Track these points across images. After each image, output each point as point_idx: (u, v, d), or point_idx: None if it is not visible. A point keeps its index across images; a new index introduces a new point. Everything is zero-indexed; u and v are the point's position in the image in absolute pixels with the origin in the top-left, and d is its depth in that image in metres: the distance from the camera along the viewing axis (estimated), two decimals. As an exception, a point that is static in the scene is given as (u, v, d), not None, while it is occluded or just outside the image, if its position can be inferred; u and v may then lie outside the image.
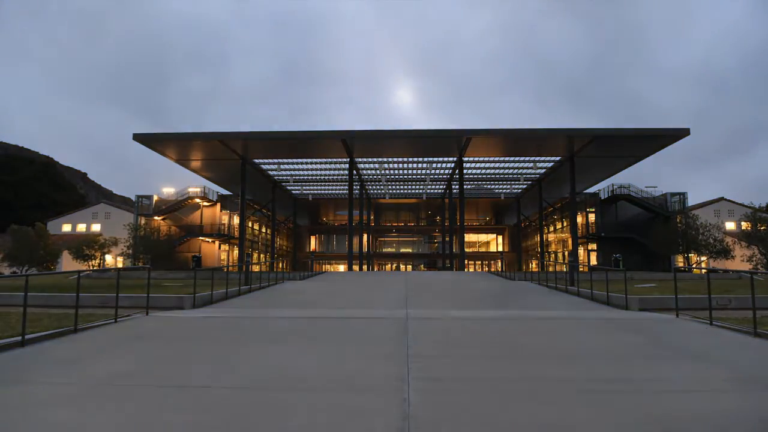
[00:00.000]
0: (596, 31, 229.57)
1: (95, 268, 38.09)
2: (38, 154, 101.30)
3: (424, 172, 41.91)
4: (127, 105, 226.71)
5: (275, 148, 33.31)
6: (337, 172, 41.47)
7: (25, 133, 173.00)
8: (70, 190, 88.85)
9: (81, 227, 58.65)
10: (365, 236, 47.31)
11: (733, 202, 54.01)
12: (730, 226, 50.37)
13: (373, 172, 41.74)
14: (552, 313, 11.01)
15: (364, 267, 40.98)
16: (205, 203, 48.41)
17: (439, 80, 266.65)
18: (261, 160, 36.95)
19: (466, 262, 37.67)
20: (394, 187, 48.43)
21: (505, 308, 11.96)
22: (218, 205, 48.91)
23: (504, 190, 48.66)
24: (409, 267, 65.14)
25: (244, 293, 15.58)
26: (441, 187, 47.37)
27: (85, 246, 38.22)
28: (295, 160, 37.81)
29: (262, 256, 50.36)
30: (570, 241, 37.96)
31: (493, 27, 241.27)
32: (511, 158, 36.78)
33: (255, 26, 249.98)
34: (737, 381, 5.08)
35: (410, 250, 68.03)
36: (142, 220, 46.15)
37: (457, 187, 38.10)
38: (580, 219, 44.67)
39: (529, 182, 44.42)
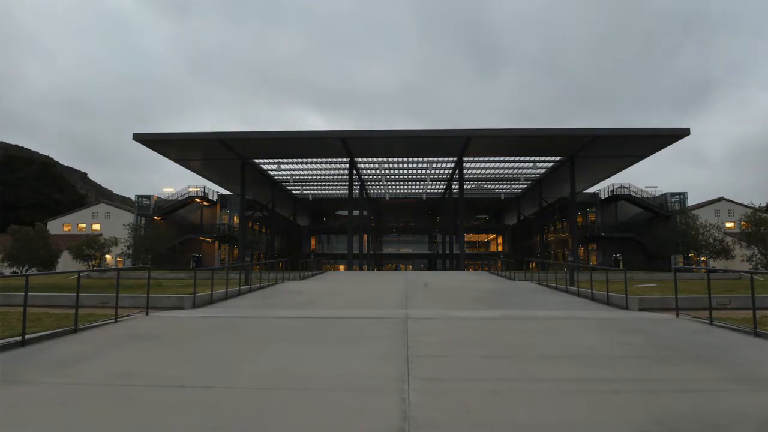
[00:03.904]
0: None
1: (95, 268, 38.08)
2: (38, 153, 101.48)
3: (424, 172, 41.90)
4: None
5: (275, 148, 33.29)
6: (337, 172, 41.46)
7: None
8: (70, 190, 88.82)
9: (81, 227, 58.67)
10: (365, 236, 47.31)
11: (733, 202, 54.08)
12: (730, 225, 50.41)
13: (373, 172, 41.73)
14: (552, 313, 11.01)
15: (364, 267, 40.97)
16: (205, 203, 48.40)
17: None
18: (261, 160, 36.94)
19: (465, 262, 37.64)
20: (394, 187, 48.42)
21: (505, 308, 11.95)
22: (218, 205, 48.90)
23: (504, 190, 48.68)
24: (410, 267, 65.13)
25: (245, 293, 15.57)
26: (441, 187, 47.37)
27: (85, 246, 38.23)
28: (295, 160, 37.79)
29: (262, 255, 50.35)
30: (570, 241, 37.97)
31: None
32: (511, 158, 36.79)
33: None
34: (737, 381, 5.08)
35: (410, 251, 68.03)
36: (142, 220, 46.15)
37: (457, 187, 38.11)
38: (580, 219, 44.67)
39: (529, 182, 44.43)
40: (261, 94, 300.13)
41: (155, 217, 46.92)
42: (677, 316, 9.97)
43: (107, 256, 43.40)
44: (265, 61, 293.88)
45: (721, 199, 54.71)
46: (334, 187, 48.58)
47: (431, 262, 63.68)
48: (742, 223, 35.68)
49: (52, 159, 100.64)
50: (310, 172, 42.24)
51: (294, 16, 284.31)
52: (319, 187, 48.99)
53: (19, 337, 6.82)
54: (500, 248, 62.56)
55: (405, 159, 37.58)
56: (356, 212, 40.03)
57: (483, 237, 70.32)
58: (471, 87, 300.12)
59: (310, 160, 37.76)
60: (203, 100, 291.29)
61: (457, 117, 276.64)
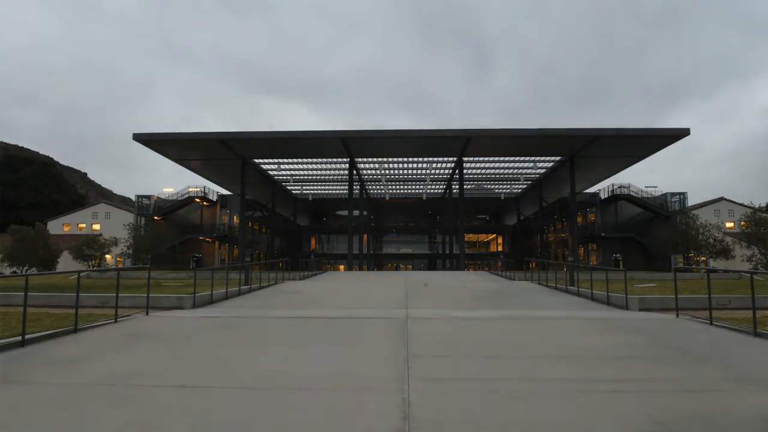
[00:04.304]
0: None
1: (95, 267, 38.07)
2: (38, 153, 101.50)
3: (424, 172, 41.90)
4: None
5: (275, 148, 33.28)
6: (337, 172, 41.46)
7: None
8: (70, 190, 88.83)
9: (81, 227, 58.68)
10: (365, 236, 47.33)
11: (733, 202, 54.09)
12: (729, 225, 50.43)
13: (373, 172, 41.73)
14: (552, 313, 11.01)
15: (365, 267, 40.95)
16: (205, 203, 48.40)
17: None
18: (261, 160, 36.94)
19: (465, 262, 37.64)
20: (394, 187, 48.41)
21: (504, 308, 11.96)
22: (218, 205, 48.90)
23: (504, 190, 48.66)
24: (410, 267, 65.12)
25: (245, 293, 15.58)
26: (441, 187, 47.37)
27: (85, 246, 38.21)
28: (295, 160, 37.79)
29: (262, 255, 50.36)
30: (570, 241, 37.96)
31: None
32: (511, 158, 36.77)
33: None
34: (737, 381, 5.08)
35: (410, 251, 68.02)
36: (142, 220, 46.15)
37: (457, 187, 38.09)
38: (580, 219, 44.67)
39: (529, 182, 44.42)
40: (243, 84, 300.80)
41: (155, 217, 46.92)
42: (677, 316, 9.98)
43: (107, 256, 43.40)
44: (237, 50, 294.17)
45: (721, 199, 54.71)
46: (334, 187, 48.55)
47: (431, 262, 63.65)
48: (742, 223, 35.69)
49: (52, 159, 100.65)
50: (310, 172, 42.22)
51: (272, 4, 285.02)
52: (319, 187, 48.96)
53: (19, 337, 6.82)
54: (500, 248, 62.55)
55: (405, 159, 37.56)
56: (356, 212, 40.02)
57: (483, 237, 70.31)
58: (451, 80, 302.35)
59: (310, 160, 37.74)
60: (189, 91, 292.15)
61: (438, 106, 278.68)
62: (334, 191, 50.68)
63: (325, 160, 37.41)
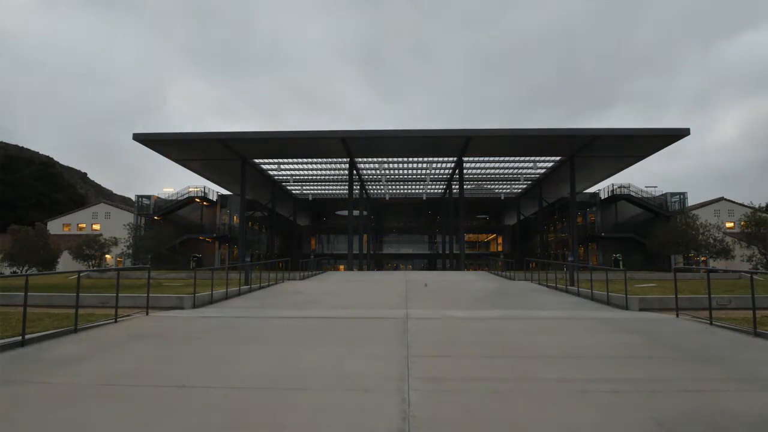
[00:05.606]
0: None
1: (95, 267, 38.05)
2: (38, 154, 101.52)
3: (424, 172, 41.90)
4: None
5: (275, 148, 33.30)
6: (337, 172, 41.46)
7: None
8: (70, 189, 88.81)
9: (81, 227, 58.70)
10: (365, 236, 47.32)
11: (733, 202, 54.14)
12: (729, 225, 50.48)
13: (373, 172, 41.73)
14: (552, 313, 11.00)
15: (364, 267, 40.95)
16: (205, 203, 48.41)
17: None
18: (261, 160, 36.95)
19: (465, 262, 37.64)
20: (394, 187, 48.42)
21: (505, 308, 11.95)
22: (218, 205, 48.92)
23: (504, 190, 48.67)
24: (410, 267, 65.12)
25: (245, 293, 15.58)
26: (441, 187, 47.37)
27: (85, 246, 38.20)
28: (295, 160, 37.80)
29: (262, 255, 50.35)
30: (570, 241, 37.96)
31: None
32: (511, 158, 36.79)
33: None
34: (737, 381, 5.08)
35: (410, 251, 68.03)
36: (142, 220, 46.15)
37: (457, 187, 38.10)
38: (580, 219, 44.68)
39: (529, 182, 44.43)
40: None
41: (155, 217, 46.92)
42: (677, 316, 9.98)
43: (107, 256, 43.36)
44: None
45: (721, 199, 54.75)
46: (334, 187, 48.56)
47: (431, 262, 63.64)
48: (742, 223, 35.69)
49: (52, 159, 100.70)
50: (310, 172, 42.23)
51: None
52: (319, 187, 48.97)
53: (19, 337, 6.82)
54: (500, 248, 62.56)
55: (405, 159, 37.57)
56: (356, 212, 40.02)
57: (483, 237, 70.32)
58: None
59: (310, 160, 37.75)
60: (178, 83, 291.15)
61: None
62: (334, 191, 50.69)
63: (325, 160, 37.42)
